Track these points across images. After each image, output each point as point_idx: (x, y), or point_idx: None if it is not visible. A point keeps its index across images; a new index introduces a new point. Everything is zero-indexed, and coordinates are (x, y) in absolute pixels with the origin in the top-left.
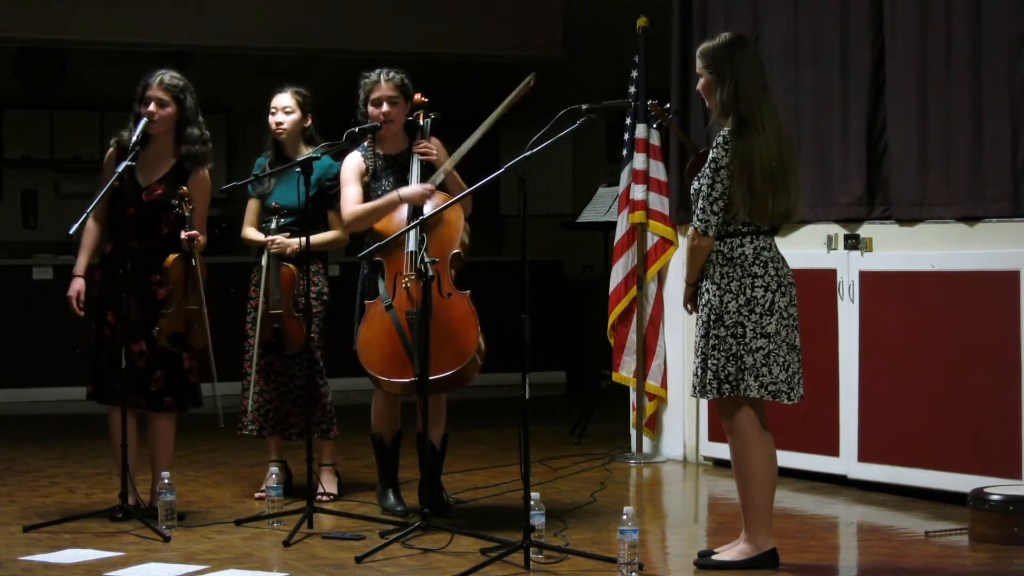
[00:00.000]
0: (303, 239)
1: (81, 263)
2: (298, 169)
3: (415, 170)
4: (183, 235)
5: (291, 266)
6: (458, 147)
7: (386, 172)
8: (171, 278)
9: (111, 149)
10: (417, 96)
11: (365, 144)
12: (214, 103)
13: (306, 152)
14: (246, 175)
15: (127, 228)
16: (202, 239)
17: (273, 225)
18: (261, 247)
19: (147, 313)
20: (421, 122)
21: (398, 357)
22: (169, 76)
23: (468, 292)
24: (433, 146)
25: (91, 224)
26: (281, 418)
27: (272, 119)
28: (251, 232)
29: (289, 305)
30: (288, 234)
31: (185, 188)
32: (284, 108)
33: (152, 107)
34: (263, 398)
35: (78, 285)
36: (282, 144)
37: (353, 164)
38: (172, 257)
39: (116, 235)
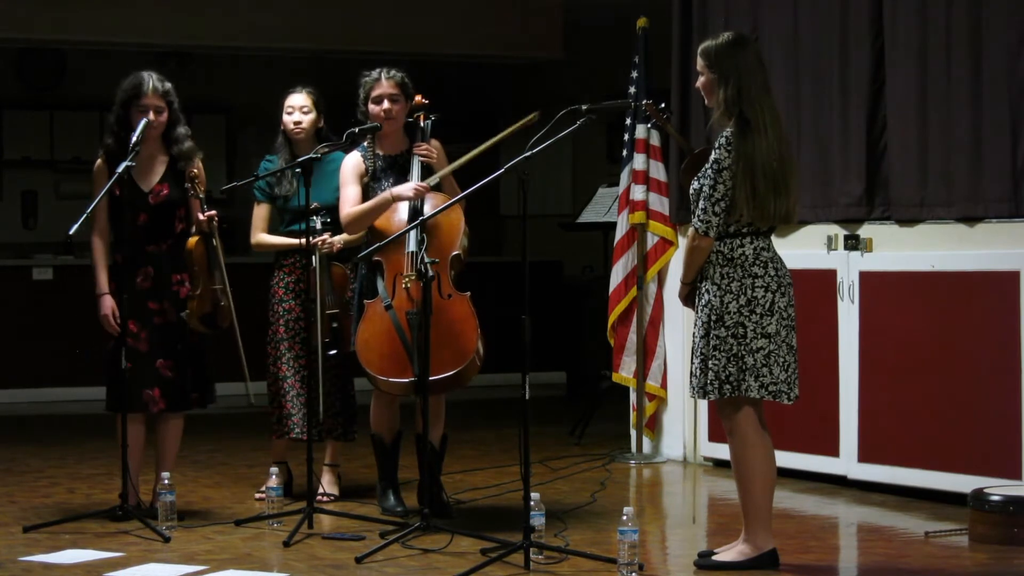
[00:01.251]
0: (341, 237)
1: (103, 280)
2: (304, 168)
3: (415, 171)
4: (202, 216)
5: (341, 265)
6: (459, 149)
7: (386, 172)
8: (194, 259)
9: (99, 161)
10: (418, 98)
11: (365, 144)
12: (214, 103)
13: None
14: (246, 175)
15: (140, 235)
16: (217, 219)
17: (318, 224)
18: (292, 250)
19: (177, 312)
20: (422, 123)
21: (397, 357)
22: (159, 81)
23: (468, 294)
24: (433, 148)
25: (97, 241)
26: (330, 417)
27: (289, 119)
28: (267, 237)
29: (344, 303)
30: (331, 233)
31: (196, 171)
32: (301, 108)
33: (152, 115)
34: (300, 400)
35: (110, 303)
36: (297, 144)
37: (352, 164)
38: (193, 240)
39: (127, 244)
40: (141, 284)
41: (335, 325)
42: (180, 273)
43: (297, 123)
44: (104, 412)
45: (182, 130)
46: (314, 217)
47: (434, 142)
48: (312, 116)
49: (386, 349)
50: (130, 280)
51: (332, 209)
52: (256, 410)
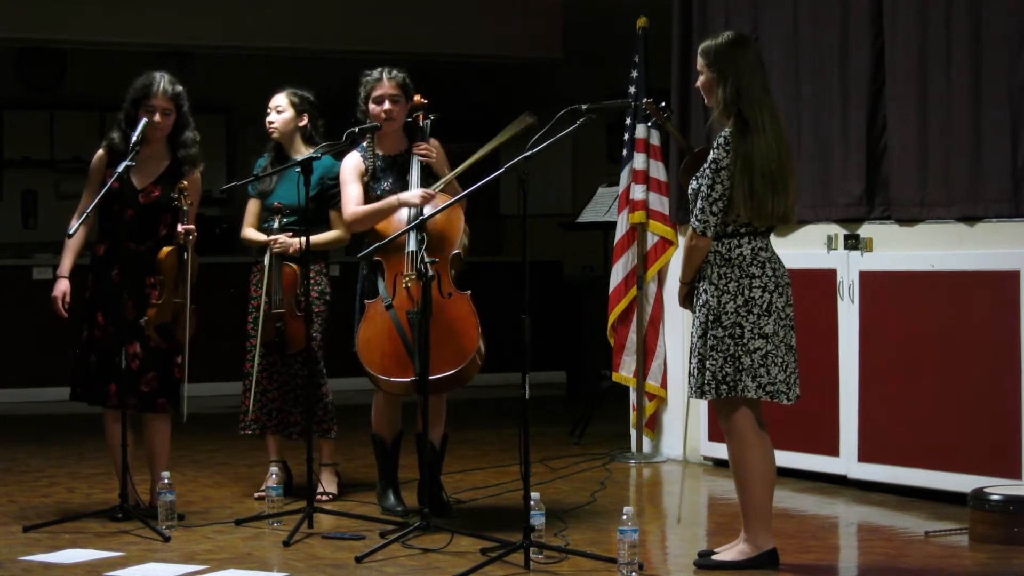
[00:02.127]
0: (304, 238)
1: (66, 265)
2: (298, 169)
3: (415, 171)
4: (180, 228)
5: (293, 266)
6: (458, 148)
7: (385, 172)
8: (163, 269)
9: (100, 151)
10: (417, 97)
11: (364, 144)
12: (214, 103)
13: (305, 151)
14: (246, 175)
15: (124, 230)
16: (195, 235)
17: (276, 225)
18: (262, 247)
19: (142, 314)
20: (421, 123)
21: (398, 356)
22: (170, 84)
23: (469, 292)
24: (433, 148)
25: (80, 227)
26: (282, 417)
27: (267, 119)
28: (251, 232)
29: (291, 305)
30: (291, 233)
31: (185, 182)
32: (276, 107)
33: (158, 117)
34: (266, 397)
35: (64, 286)
36: (281, 143)
37: (352, 164)
38: (167, 249)
39: (111, 237)
40: (115, 278)
41: (279, 325)
42: (155, 276)
43: (270, 123)
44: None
45: (190, 135)
46: (276, 216)
47: (433, 141)
48: (286, 116)
49: (387, 349)
50: (107, 273)
51: (298, 210)
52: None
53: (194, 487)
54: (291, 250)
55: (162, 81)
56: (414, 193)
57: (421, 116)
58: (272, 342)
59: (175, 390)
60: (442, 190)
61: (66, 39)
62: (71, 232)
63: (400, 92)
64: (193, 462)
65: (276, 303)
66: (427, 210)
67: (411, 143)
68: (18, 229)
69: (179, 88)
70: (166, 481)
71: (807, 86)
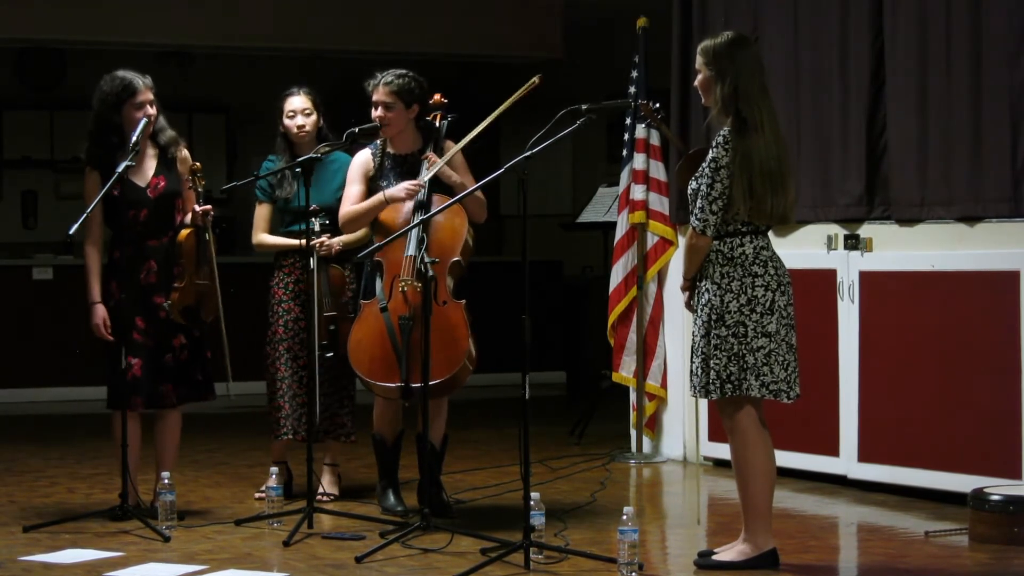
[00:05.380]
0: (339, 238)
1: (96, 288)
2: (304, 168)
3: (424, 176)
4: (198, 209)
5: (339, 267)
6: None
7: (393, 171)
8: (183, 251)
9: (88, 169)
10: (436, 97)
11: (377, 142)
12: (214, 103)
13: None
14: (246, 175)
15: (142, 231)
16: (212, 214)
17: (316, 227)
18: (292, 251)
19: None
20: (438, 123)
21: (386, 361)
22: (144, 77)
23: (463, 302)
24: (439, 163)
25: (91, 249)
26: (327, 418)
27: (291, 123)
28: (269, 237)
29: (342, 305)
30: (329, 235)
31: (198, 164)
32: (303, 110)
33: (152, 110)
34: (297, 401)
35: (102, 312)
36: (299, 146)
37: (360, 162)
38: (185, 232)
39: (128, 242)
40: (145, 279)
41: (332, 328)
42: (178, 263)
43: (300, 126)
44: (105, 411)
45: (163, 120)
46: (313, 219)
47: (448, 143)
48: (314, 117)
49: (376, 352)
50: (134, 277)
51: (331, 210)
52: (253, 409)
53: (194, 487)
54: (332, 251)
55: (137, 77)
56: (399, 188)
57: (439, 116)
58: (323, 345)
59: (209, 381)
60: (450, 191)
61: (66, 39)
62: (72, 230)
63: (394, 99)
64: (193, 462)
65: (327, 305)
66: (433, 209)
67: (426, 143)
68: (18, 229)
69: (149, 78)
70: (166, 481)
71: (807, 86)
